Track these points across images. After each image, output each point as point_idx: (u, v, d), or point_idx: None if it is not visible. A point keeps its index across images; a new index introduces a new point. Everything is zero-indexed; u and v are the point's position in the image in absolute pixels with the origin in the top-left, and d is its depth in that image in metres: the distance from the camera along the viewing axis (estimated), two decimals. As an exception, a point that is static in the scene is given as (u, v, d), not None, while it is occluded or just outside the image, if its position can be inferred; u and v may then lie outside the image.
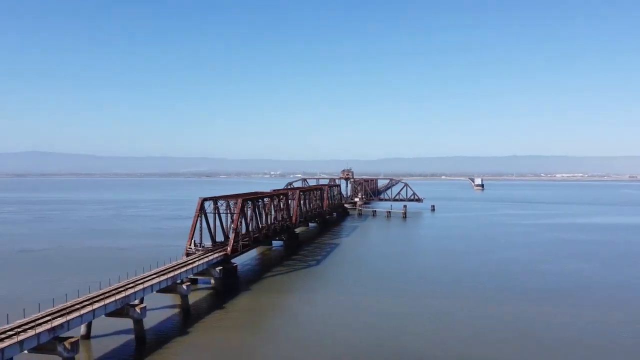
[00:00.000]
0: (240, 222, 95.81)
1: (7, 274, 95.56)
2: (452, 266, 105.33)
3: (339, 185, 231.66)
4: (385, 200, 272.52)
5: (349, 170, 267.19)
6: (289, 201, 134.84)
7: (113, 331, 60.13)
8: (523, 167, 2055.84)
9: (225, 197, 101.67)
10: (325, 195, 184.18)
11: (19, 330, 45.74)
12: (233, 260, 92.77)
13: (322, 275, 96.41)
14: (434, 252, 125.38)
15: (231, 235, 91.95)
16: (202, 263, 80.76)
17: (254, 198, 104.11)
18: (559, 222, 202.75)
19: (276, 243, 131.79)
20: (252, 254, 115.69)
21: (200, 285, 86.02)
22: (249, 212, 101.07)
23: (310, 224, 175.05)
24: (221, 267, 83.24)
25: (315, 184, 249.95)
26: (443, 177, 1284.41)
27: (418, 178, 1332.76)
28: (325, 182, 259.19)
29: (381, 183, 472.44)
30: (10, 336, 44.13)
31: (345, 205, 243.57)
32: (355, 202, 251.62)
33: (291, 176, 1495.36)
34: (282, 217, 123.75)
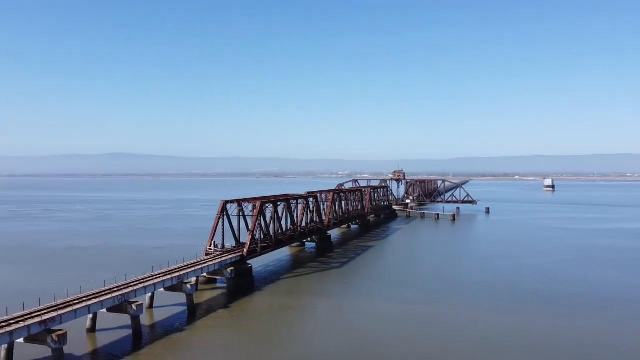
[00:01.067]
0: (260, 224, 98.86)
1: (42, 269, 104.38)
2: (469, 271, 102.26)
3: (386, 187, 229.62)
4: (439, 202, 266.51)
5: (400, 172, 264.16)
6: (322, 203, 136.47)
7: (116, 326, 64.48)
8: (606, 167, 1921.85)
9: (248, 200, 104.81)
10: (367, 197, 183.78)
11: (16, 320, 50.93)
12: (252, 261, 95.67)
13: (338, 278, 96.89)
14: (459, 257, 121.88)
15: (248, 237, 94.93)
16: (214, 263, 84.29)
17: (274, 201, 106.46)
18: (621, 227, 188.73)
19: (309, 245, 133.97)
20: (280, 254, 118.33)
21: (217, 285, 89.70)
22: (269, 214, 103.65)
23: (352, 226, 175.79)
24: (233, 268, 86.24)
25: (366, 184, 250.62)
26: (516, 177, 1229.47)
27: (490, 178, 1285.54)
28: (377, 183, 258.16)
29: (447, 184, 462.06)
30: (2, 327, 49.25)
31: (395, 206, 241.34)
32: (407, 204, 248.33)
33: (358, 176, 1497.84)
34: (312, 219, 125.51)
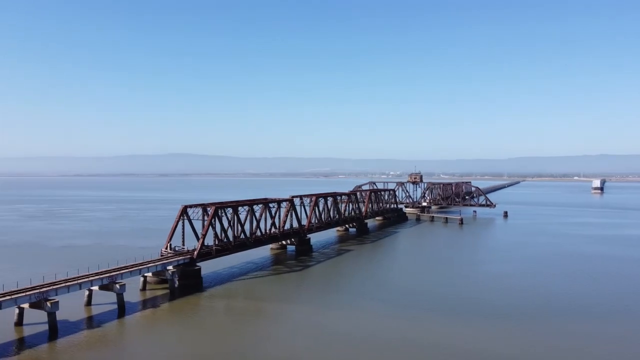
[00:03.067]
0: (223, 227, 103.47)
1: (22, 264, 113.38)
2: (433, 279, 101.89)
3: (393, 190, 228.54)
4: (456, 205, 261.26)
5: (417, 174, 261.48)
6: (305, 207, 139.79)
7: (35, 321, 70.72)
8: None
9: (208, 205, 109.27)
10: (366, 199, 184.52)
11: None
12: (211, 263, 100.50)
13: (293, 283, 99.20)
14: (433, 264, 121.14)
15: (199, 240, 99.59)
16: (155, 265, 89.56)
17: (235, 205, 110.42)
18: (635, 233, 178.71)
19: (291, 247, 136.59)
20: (252, 257, 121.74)
21: (168, 285, 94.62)
22: (240, 218, 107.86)
23: (350, 229, 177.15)
24: (175, 270, 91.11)
25: (382, 187, 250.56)
26: (575, 177, 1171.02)
27: (546, 179, 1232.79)
28: (393, 185, 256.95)
29: (495, 183, 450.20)
30: None
31: (410, 209, 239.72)
32: (424, 207, 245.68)
33: (406, 175, 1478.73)
34: (289, 223, 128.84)
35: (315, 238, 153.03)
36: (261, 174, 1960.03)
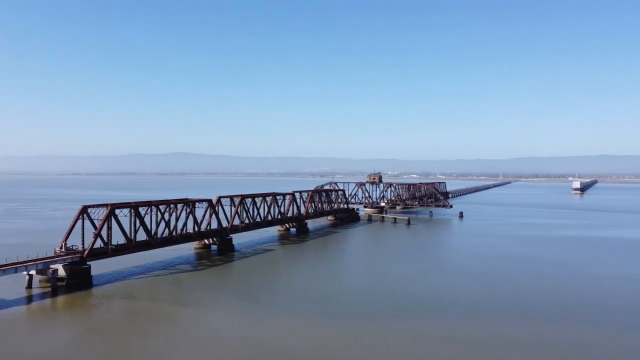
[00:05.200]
0: (138, 227, 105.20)
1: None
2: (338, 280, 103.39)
3: (342, 190, 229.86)
4: (421, 206, 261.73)
5: (375, 175, 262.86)
6: (224, 207, 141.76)
7: None
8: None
9: (104, 205, 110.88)
10: (307, 200, 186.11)
11: None
12: (112, 261, 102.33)
13: (191, 284, 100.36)
14: (348, 266, 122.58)
15: (91, 240, 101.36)
16: (36, 263, 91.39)
17: (136, 205, 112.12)
18: (581, 234, 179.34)
19: (215, 247, 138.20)
20: (167, 256, 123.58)
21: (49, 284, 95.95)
22: (137, 217, 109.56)
23: (292, 229, 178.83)
24: (55, 269, 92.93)
25: (344, 187, 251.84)
26: (570, 178, 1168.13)
27: (541, 180, 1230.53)
28: (353, 186, 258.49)
29: (484, 183, 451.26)
30: None
31: (369, 209, 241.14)
32: (382, 207, 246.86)
33: (405, 176, 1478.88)
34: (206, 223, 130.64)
35: (246, 238, 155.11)
36: (259, 173, 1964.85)
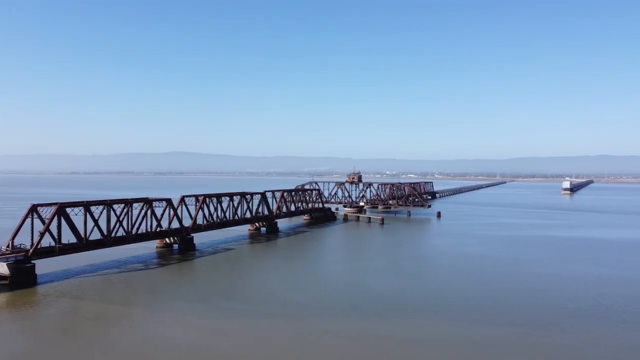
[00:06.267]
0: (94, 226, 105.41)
1: None
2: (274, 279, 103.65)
3: (318, 190, 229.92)
4: (393, 206, 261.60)
5: (355, 174, 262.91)
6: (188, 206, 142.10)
7: None
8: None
9: (50, 204, 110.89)
10: (278, 199, 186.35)
11: None
12: (66, 259, 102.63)
13: (133, 284, 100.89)
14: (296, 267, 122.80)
15: (36, 239, 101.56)
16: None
17: (87, 204, 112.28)
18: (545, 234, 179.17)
19: (180, 246, 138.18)
20: (131, 252, 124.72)
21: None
22: (89, 216, 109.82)
23: (262, 228, 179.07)
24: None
25: (324, 187, 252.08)
26: (567, 178, 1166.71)
27: (538, 180, 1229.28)
28: (332, 185, 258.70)
29: (481, 183, 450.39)
30: None
31: (348, 209, 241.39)
32: (361, 207, 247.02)
33: (403, 176, 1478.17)
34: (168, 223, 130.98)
35: (211, 237, 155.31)
36: (257, 173, 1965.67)
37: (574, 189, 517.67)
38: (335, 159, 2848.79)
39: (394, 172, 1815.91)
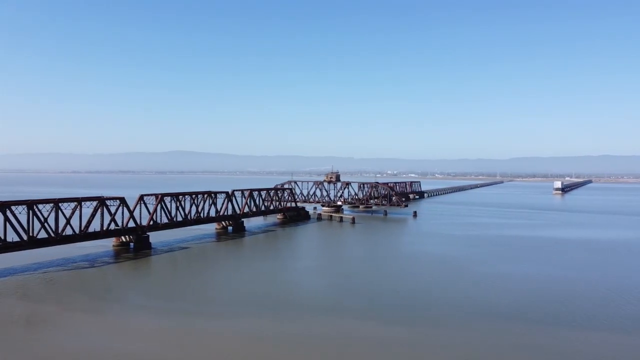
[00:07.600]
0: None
1: None
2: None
3: (290, 189, 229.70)
4: (372, 205, 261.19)
5: (333, 173, 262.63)
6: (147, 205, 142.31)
7: None
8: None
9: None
10: (246, 198, 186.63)
11: None
12: (19, 256, 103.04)
13: (74, 284, 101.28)
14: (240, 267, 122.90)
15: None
16: None
17: (32, 203, 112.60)
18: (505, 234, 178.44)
19: (136, 244, 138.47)
20: (83, 252, 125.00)
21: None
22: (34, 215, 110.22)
23: (229, 227, 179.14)
24: None
25: (304, 186, 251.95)
26: (567, 178, 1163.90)
27: (537, 180, 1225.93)
28: (311, 185, 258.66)
29: (476, 182, 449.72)
30: None
31: (325, 208, 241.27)
32: (339, 206, 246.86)
33: (404, 175, 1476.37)
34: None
35: (171, 236, 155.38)
36: (260, 172, 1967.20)
37: (565, 189, 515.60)
38: (337, 158, 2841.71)
39: (395, 172, 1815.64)
